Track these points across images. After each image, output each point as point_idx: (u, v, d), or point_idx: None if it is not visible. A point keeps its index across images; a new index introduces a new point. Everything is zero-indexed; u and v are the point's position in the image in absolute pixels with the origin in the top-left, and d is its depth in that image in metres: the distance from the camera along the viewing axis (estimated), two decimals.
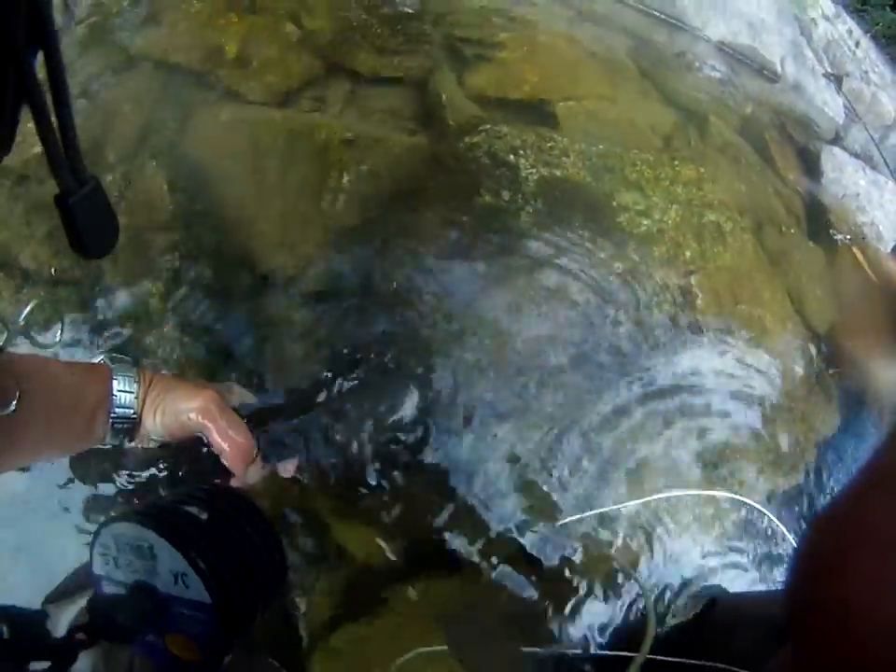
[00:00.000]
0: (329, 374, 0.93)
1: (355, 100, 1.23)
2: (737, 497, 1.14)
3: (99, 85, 1.36)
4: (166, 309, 1.06)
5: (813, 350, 1.49)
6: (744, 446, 1.21)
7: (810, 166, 2.24)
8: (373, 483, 1.00)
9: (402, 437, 0.94)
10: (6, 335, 0.44)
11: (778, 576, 1.19)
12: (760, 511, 1.14)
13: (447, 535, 0.97)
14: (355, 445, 0.99)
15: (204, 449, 0.53)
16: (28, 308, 0.43)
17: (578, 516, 0.96)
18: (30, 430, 0.46)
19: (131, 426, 0.51)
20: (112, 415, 0.50)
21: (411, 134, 1.12)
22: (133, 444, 0.54)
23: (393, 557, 0.98)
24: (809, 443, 1.36)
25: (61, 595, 0.42)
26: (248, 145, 1.15)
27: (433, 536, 0.97)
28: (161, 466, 0.56)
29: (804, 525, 1.28)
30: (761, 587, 1.16)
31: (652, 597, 0.71)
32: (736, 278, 1.33)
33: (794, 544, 1.18)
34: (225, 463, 0.51)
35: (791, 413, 1.34)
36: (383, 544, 0.99)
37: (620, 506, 0.96)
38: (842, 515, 0.19)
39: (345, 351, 0.90)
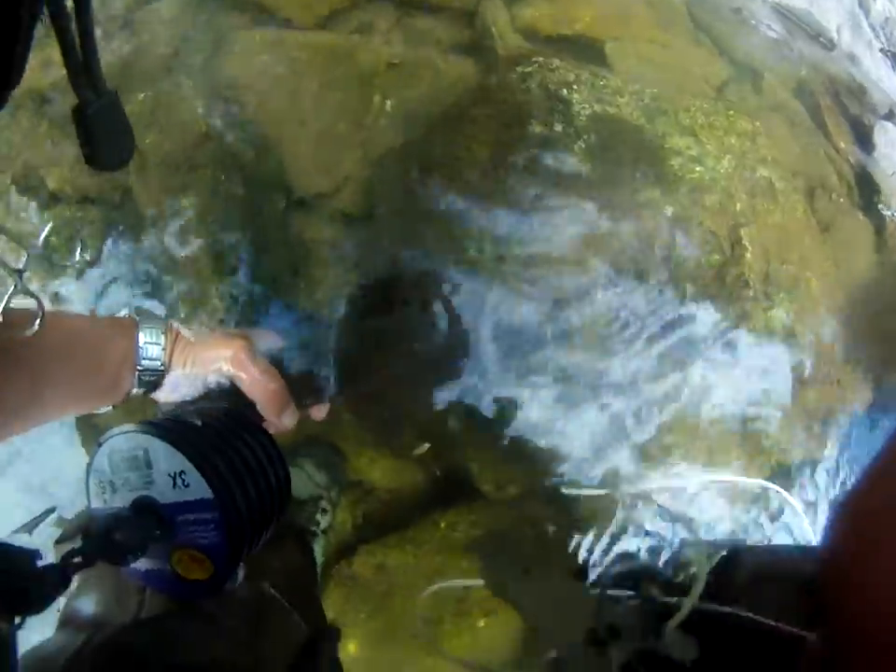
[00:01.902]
0: (363, 302, 0.91)
1: (400, 26, 1.17)
2: (766, 483, 1.12)
3: (132, 10, 1.32)
4: (197, 230, 1.04)
5: (855, 321, 1.44)
6: (777, 408, 1.18)
7: (862, 138, 2.13)
8: (402, 415, 0.99)
9: (434, 368, 0.93)
10: (26, 257, 0.42)
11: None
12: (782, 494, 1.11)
13: (474, 466, 0.96)
14: (385, 376, 0.97)
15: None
16: (46, 229, 0.41)
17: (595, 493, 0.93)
18: (52, 385, 0.45)
19: (158, 378, 0.50)
20: (139, 368, 0.49)
21: (459, 62, 1.07)
22: (156, 398, 0.53)
23: (418, 487, 0.98)
24: (843, 413, 1.32)
25: (73, 535, 0.41)
26: (285, 66, 1.11)
27: (460, 468, 0.96)
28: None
29: (831, 500, 1.25)
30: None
31: (700, 543, 0.68)
32: (786, 238, 1.27)
33: (819, 523, 1.16)
34: (260, 411, 0.51)
35: (827, 382, 1.30)
36: (408, 474, 0.98)
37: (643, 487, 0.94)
38: (871, 498, 0.18)
39: (380, 277, 0.88)
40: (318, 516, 0.90)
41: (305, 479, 0.93)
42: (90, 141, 0.32)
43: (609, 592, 0.74)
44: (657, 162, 1.04)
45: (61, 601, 0.49)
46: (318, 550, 0.90)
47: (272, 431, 0.50)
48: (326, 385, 0.62)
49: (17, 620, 0.29)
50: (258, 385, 0.49)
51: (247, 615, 0.51)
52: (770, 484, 1.12)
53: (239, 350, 0.49)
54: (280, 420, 0.51)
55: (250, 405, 0.51)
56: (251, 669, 0.45)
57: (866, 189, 1.88)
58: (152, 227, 1.08)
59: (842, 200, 1.70)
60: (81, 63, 0.29)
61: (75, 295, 1.09)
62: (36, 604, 0.31)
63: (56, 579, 0.33)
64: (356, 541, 0.96)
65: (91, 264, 1.10)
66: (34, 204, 1.20)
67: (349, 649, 0.93)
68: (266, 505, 0.45)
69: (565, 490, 0.89)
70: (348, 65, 1.05)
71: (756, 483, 1.10)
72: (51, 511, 0.88)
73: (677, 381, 0.99)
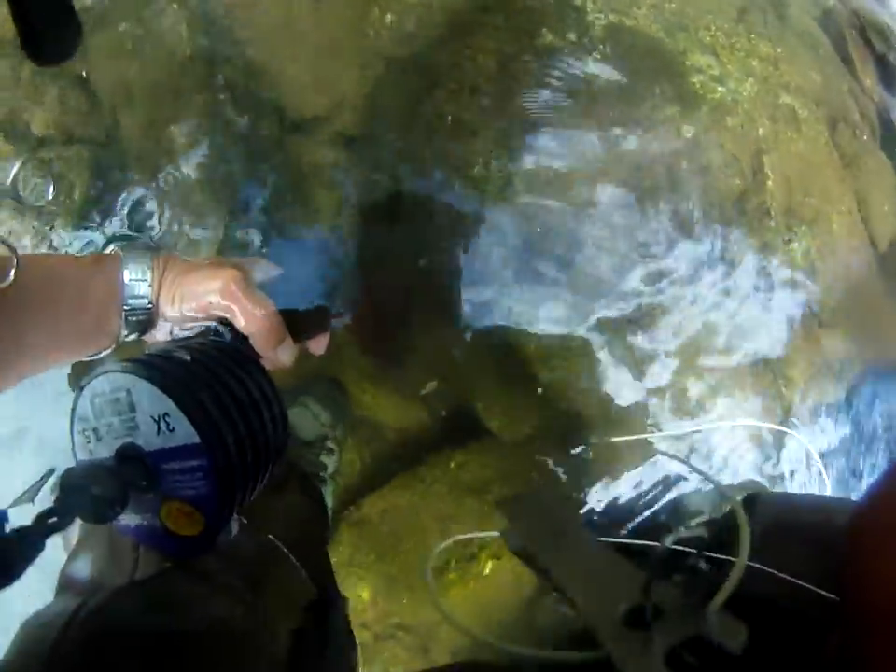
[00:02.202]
0: (364, 229, 0.86)
1: None
2: (781, 427, 1.08)
3: None
4: (187, 158, 0.99)
5: (875, 264, 1.39)
6: (795, 347, 1.14)
7: (887, 77, 2.02)
8: (409, 352, 0.95)
9: (441, 301, 0.88)
10: None
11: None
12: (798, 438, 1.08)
13: (481, 407, 0.93)
14: (387, 305, 0.93)
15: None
16: (15, 168, 0.36)
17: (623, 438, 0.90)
18: (34, 330, 0.42)
19: (147, 316, 0.46)
20: (125, 307, 0.45)
21: None
22: (153, 337, 0.49)
23: (427, 428, 0.95)
24: (860, 361, 1.28)
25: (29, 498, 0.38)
26: None
27: (470, 408, 0.93)
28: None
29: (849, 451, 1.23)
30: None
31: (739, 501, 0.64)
32: (808, 169, 1.21)
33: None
34: (254, 346, 0.46)
35: (848, 323, 1.26)
36: (416, 414, 0.95)
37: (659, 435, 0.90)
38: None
39: (382, 201, 0.82)
40: (324, 458, 0.87)
41: (310, 418, 0.90)
42: (26, 25, 0.28)
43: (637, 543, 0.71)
44: (677, 79, 0.97)
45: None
46: (328, 494, 0.88)
47: (268, 368, 0.46)
48: (326, 315, 0.57)
49: None
50: (249, 317, 0.45)
51: (247, 571, 0.48)
52: (789, 430, 1.08)
53: (229, 281, 0.45)
54: (276, 355, 0.47)
55: (245, 340, 0.46)
56: (250, 634, 0.42)
57: (889, 129, 1.79)
58: (141, 162, 1.03)
59: (864, 137, 1.61)
60: None
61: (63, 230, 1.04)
62: (8, 573, 0.27)
63: (29, 544, 0.29)
64: (364, 483, 0.94)
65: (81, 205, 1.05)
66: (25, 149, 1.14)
67: (362, 594, 0.92)
68: (261, 449, 0.40)
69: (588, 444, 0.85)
70: None
71: (775, 427, 1.06)
72: (51, 472, 0.85)
73: (691, 314, 0.95)
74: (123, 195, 1.05)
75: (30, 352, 0.43)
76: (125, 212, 1.06)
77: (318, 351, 0.55)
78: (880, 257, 1.43)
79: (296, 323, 0.49)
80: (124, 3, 1.15)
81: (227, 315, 0.46)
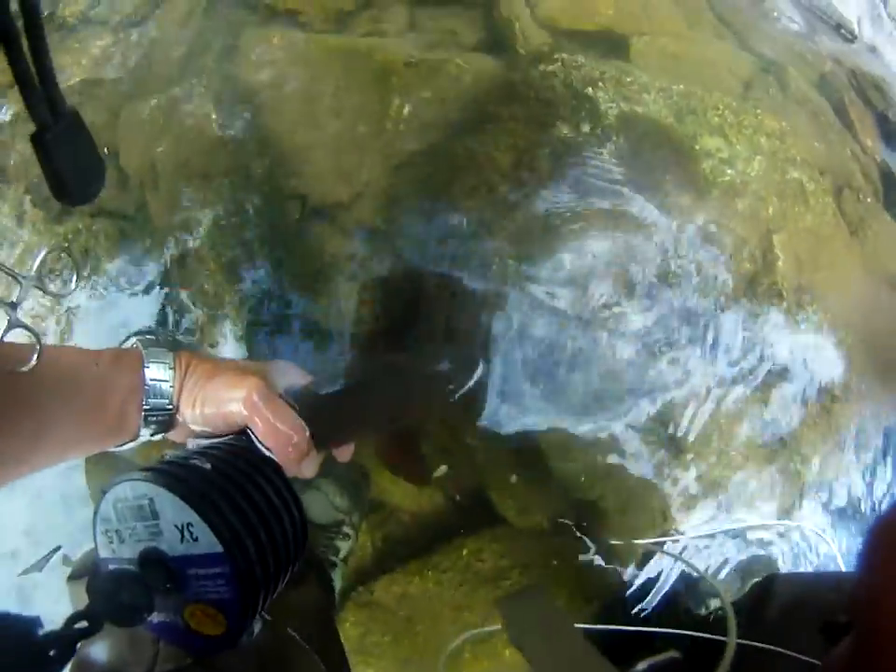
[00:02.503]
0: (385, 321, 0.87)
1: (415, 23, 1.12)
2: (792, 523, 1.07)
3: (140, 13, 1.27)
4: (211, 241, 1.00)
5: (887, 328, 1.39)
6: (810, 426, 1.13)
7: (889, 135, 2.07)
8: (425, 440, 0.94)
9: (459, 393, 0.88)
10: (19, 289, 0.38)
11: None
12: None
13: (496, 495, 0.92)
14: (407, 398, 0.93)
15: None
16: (41, 256, 0.37)
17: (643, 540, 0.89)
18: (53, 425, 0.42)
19: (166, 417, 0.46)
20: (145, 407, 0.45)
21: (478, 60, 1.02)
22: (171, 438, 0.49)
23: (441, 514, 0.94)
24: (877, 428, 1.27)
25: (84, 571, 0.38)
26: (301, 68, 1.06)
27: (484, 494, 0.92)
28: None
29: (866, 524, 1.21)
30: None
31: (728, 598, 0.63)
32: (817, 243, 1.22)
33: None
34: (276, 459, 0.45)
35: (860, 395, 1.25)
36: (431, 498, 0.94)
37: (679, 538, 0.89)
38: None
39: (404, 293, 0.83)
40: (339, 542, 0.86)
41: (325, 503, 0.89)
42: (53, 170, 0.29)
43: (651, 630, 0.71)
44: (688, 166, 0.99)
45: None
46: (337, 577, 0.86)
47: (289, 476, 0.46)
48: (353, 423, 0.58)
49: None
50: (271, 433, 0.44)
51: (266, 666, 0.48)
52: (800, 524, 1.07)
53: (252, 391, 0.44)
54: (300, 469, 0.46)
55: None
56: None
57: (893, 187, 1.82)
58: (166, 239, 1.04)
59: (869, 200, 1.64)
60: (36, 82, 0.26)
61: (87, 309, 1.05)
62: None
63: (61, 650, 0.30)
64: (376, 566, 0.93)
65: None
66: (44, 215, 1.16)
67: None
68: (281, 554, 0.41)
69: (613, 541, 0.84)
70: (365, 66, 1.00)
71: (790, 524, 1.05)
72: (57, 549, 0.85)
73: (707, 403, 0.95)
74: (143, 269, 1.07)
75: (47, 446, 0.43)
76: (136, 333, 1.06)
77: (344, 459, 0.54)
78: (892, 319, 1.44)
79: (323, 422, 0.48)
80: (154, 80, 1.19)
81: (248, 426, 0.45)
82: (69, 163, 0.29)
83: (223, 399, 0.45)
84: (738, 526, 0.93)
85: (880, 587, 0.17)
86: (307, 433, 0.45)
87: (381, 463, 0.86)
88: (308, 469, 0.46)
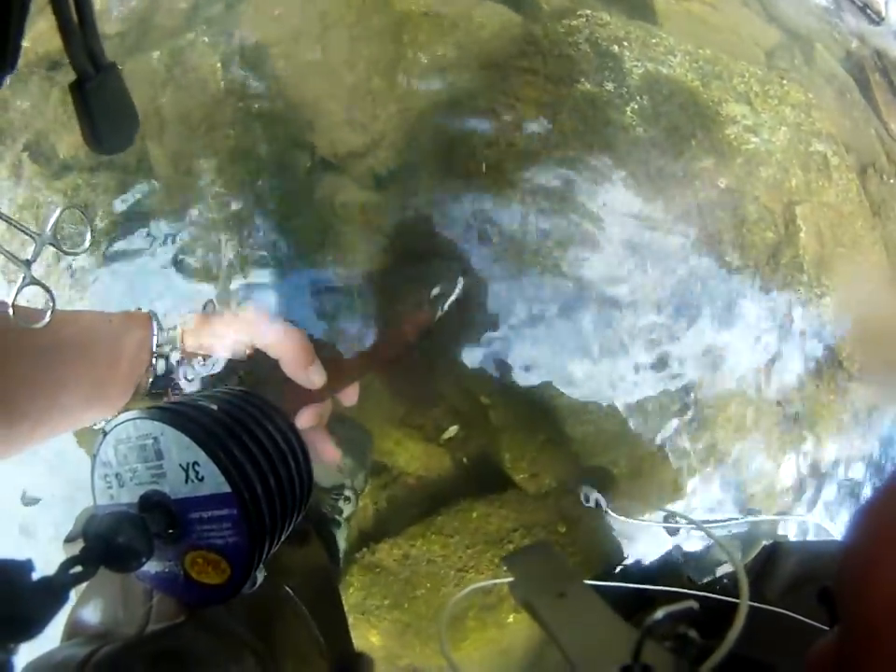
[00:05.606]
0: (395, 270, 0.84)
1: None
2: (797, 517, 1.06)
3: None
4: (214, 192, 0.98)
5: None
6: (824, 404, 1.12)
7: None
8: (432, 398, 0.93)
9: (467, 345, 0.86)
10: (34, 247, 0.38)
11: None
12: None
13: (508, 456, 0.91)
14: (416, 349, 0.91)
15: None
16: (56, 214, 0.37)
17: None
18: (69, 387, 0.43)
19: (173, 368, 0.48)
20: (154, 351, 0.47)
21: (499, 12, 0.98)
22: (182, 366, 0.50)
23: (448, 477, 0.93)
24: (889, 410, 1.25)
25: (80, 533, 0.36)
26: (313, 17, 1.02)
27: (492, 457, 0.90)
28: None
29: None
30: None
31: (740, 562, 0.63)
32: (839, 219, 1.19)
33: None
34: (283, 368, 0.47)
35: (878, 381, 1.23)
36: (438, 461, 0.93)
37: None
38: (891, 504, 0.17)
39: (416, 243, 0.81)
40: (342, 504, 0.84)
41: (327, 465, 0.88)
42: (89, 120, 0.30)
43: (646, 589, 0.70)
44: (713, 130, 0.96)
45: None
46: (340, 538, 0.85)
47: (305, 385, 0.47)
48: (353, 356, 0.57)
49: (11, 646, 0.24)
50: (277, 337, 0.46)
51: (261, 624, 0.46)
52: (804, 518, 1.06)
53: (250, 313, 0.47)
54: (307, 375, 0.47)
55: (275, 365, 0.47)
56: None
57: None
58: (167, 193, 1.02)
59: (891, 181, 1.60)
60: (78, 32, 0.27)
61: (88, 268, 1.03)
62: (32, 627, 0.26)
63: (53, 595, 0.28)
64: (378, 528, 0.92)
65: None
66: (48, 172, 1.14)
67: (372, 639, 0.89)
68: (287, 500, 0.40)
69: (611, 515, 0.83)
70: (381, 15, 0.96)
71: (798, 518, 1.04)
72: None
73: (723, 370, 0.93)
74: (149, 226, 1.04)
75: (66, 405, 0.43)
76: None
77: (349, 402, 0.54)
78: None
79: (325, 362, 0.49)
80: (159, 29, 1.15)
81: (254, 341, 0.46)
82: (105, 114, 0.30)
83: (229, 321, 0.47)
84: (743, 520, 0.92)
85: (864, 569, 0.17)
86: (308, 341, 0.47)
87: (386, 386, 0.85)
88: (316, 375, 0.48)
